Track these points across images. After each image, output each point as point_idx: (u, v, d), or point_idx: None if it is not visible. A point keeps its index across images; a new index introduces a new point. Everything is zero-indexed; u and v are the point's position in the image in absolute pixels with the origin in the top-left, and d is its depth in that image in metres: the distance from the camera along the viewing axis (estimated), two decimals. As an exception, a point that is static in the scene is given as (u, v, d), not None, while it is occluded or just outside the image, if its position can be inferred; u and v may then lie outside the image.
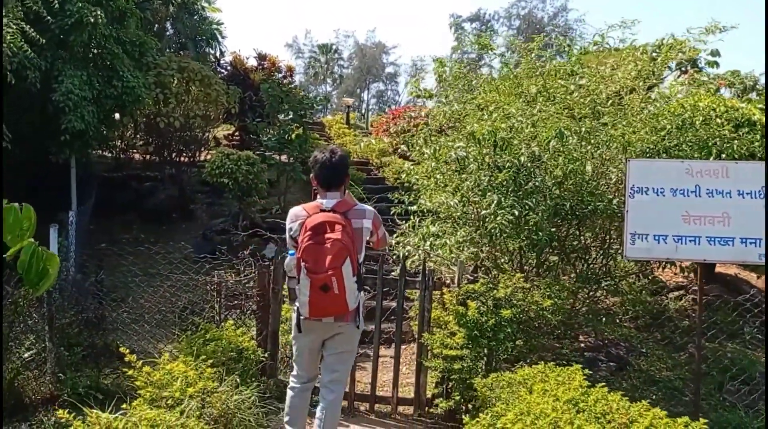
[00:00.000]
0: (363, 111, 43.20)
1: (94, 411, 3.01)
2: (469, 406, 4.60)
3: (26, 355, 5.43)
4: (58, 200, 9.27)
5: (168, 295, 6.25)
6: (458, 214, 5.82)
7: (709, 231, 4.60)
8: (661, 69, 6.13)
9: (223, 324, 5.27)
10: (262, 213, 10.88)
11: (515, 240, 5.29)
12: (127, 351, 3.86)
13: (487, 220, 5.41)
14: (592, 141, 5.51)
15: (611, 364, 5.96)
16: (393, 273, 5.93)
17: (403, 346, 5.88)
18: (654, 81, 6.25)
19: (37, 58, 8.23)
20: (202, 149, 13.32)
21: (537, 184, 5.22)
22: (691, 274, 7.61)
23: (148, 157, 13.17)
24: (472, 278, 5.11)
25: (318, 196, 3.64)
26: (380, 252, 5.82)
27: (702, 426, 2.69)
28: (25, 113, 9.11)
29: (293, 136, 11.38)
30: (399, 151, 6.49)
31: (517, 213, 5.03)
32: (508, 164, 5.05)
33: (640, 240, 4.68)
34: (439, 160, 5.88)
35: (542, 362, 4.65)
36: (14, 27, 6.90)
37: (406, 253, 6.19)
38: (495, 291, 4.69)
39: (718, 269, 7.62)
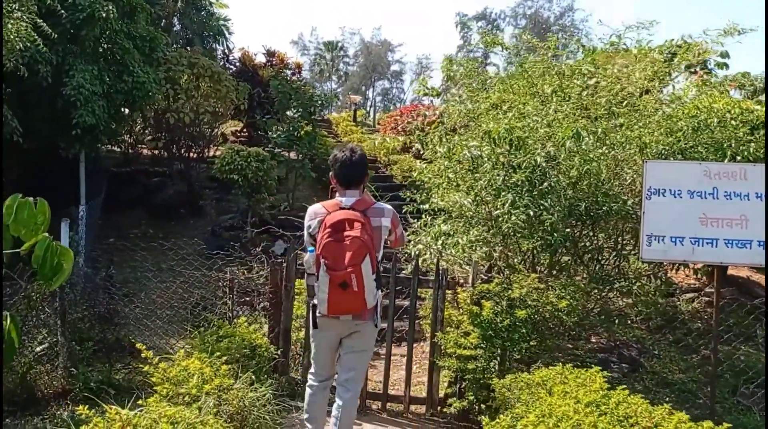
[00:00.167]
0: (368, 108, 43.22)
1: (113, 407, 2.99)
2: (482, 406, 4.59)
3: (38, 349, 5.43)
4: (66, 194, 9.29)
5: (180, 291, 6.23)
6: (471, 213, 5.79)
7: (727, 233, 4.58)
8: (678, 70, 6.10)
9: (235, 321, 5.26)
10: (270, 210, 10.88)
11: (529, 240, 5.27)
12: (144, 347, 3.85)
13: (500, 219, 5.39)
14: (607, 142, 5.48)
15: (624, 365, 5.93)
16: (403, 272, 5.90)
17: (413, 345, 5.87)
18: (670, 82, 6.22)
19: (49, 52, 8.23)
20: (211, 145, 13.31)
21: (552, 184, 5.19)
22: (704, 277, 7.59)
23: (156, 152, 13.18)
24: (485, 278, 5.08)
25: (337, 194, 3.64)
26: (392, 250, 5.82)
27: (726, 430, 2.67)
28: (34, 107, 9.12)
29: (302, 133, 11.36)
30: (413, 149, 6.44)
31: (531, 213, 5.00)
32: (524, 164, 5.03)
33: (656, 242, 4.66)
34: (451, 158, 5.85)
35: (555, 363, 4.65)
36: (27, 20, 6.89)
37: (417, 252, 6.18)
38: (509, 291, 4.67)
39: (730, 271, 7.58)
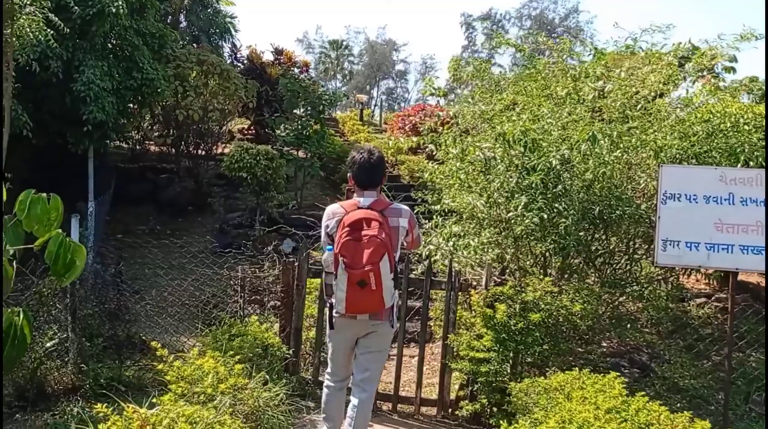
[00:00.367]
0: (372, 108, 43.20)
1: (131, 405, 2.98)
2: (494, 409, 4.58)
3: (49, 344, 5.42)
4: (75, 190, 9.29)
5: (191, 288, 6.23)
6: (483, 215, 5.77)
7: (743, 239, 4.55)
8: (692, 74, 6.07)
9: (247, 319, 5.25)
10: (278, 208, 10.87)
11: (542, 243, 5.25)
12: (159, 345, 3.84)
13: (512, 222, 5.37)
14: (621, 145, 5.45)
15: (634, 370, 5.92)
16: (413, 273, 5.89)
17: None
18: (680, 86, 6.20)
19: (59, 47, 8.23)
20: (219, 142, 13.31)
21: (566, 187, 5.17)
22: (714, 282, 7.56)
23: (164, 149, 13.18)
24: (499, 281, 5.07)
25: (354, 195, 3.67)
26: (404, 252, 5.81)
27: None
28: (44, 102, 9.13)
29: (311, 131, 11.34)
30: (427, 149, 6.42)
31: (545, 216, 4.98)
32: (539, 166, 5.01)
33: (671, 246, 4.63)
34: (463, 160, 5.83)
35: (566, 367, 4.64)
36: (40, 15, 6.89)
37: (427, 253, 6.16)
38: (523, 294, 4.66)
39: (740, 277, 7.54)
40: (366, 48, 52.04)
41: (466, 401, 4.74)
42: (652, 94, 6.00)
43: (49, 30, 7.10)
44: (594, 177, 5.30)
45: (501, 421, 3.20)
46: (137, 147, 13.40)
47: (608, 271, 6.01)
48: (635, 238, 5.97)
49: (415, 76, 53.84)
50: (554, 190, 5.21)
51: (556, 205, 5.09)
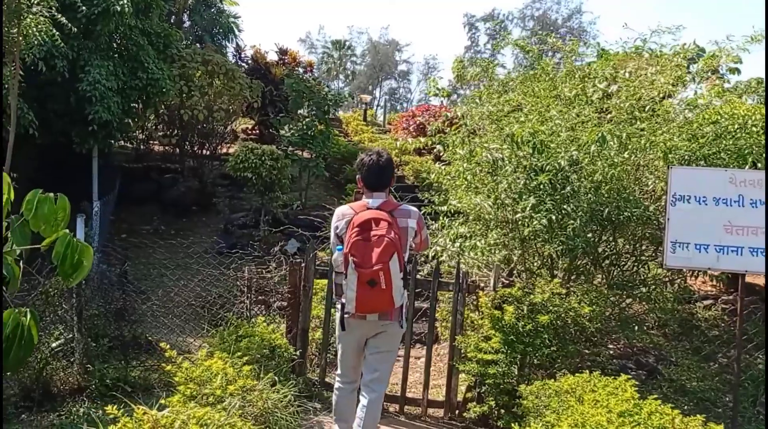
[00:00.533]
0: (375, 108, 43.18)
1: (140, 406, 2.97)
2: (502, 411, 4.56)
3: (54, 344, 5.42)
4: (79, 189, 9.28)
5: (198, 289, 6.21)
6: (490, 216, 5.75)
7: (752, 241, 4.53)
8: (701, 75, 6.05)
9: (253, 320, 5.23)
10: (283, 208, 10.85)
11: (550, 244, 5.23)
12: (168, 347, 3.83)
13: (520, 223, 5.35)
14: (630, 146, 5.43)
15: (641, 372, 5.89)
16: (419, 273, 5.87)
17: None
18: (694, 87, 6.18)
19: (65, 47, 8.23)
20: (223, 142, 13.30)
21: (575, 188, 5.15)
22: (720, 284, 7.53)
23: (168, 148, 13.17)
24: (507, 282, 5.05)
25: (363, 197, 3.69)
26: (411, 252, 5.80)
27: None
28: (49, 101, 9.12)
29: (316, 131, 11.33)
30: (435, 150, 6.41)
31: (554, 218, 4.96)
32: (548, 167, 4.99)
33: (680, 249, 4.61)
34: (470, 160, 5.81)
35: (573, 369, 4.62)
36: (46, 15, 6.88)
37: (434, 254, 6.14)
38: (531, 296, 4.64)
39: (747, 279, 7.51)
40: (369, 48, 51.99)
41: (474, 403, 4.71)
42: (660, 95, 5.98)
43: (54, 30, 7.09)
44: (602, 178, 5.28)
45: (512, 424, 3.18)
46: (141, 147, 13.40)
47: (615, 273, 5.99)
48: (642, 239, 5.95)
49: (417, 77, 53.87)
50: (562, 192, 5.19)
51: (565, 206, 5.07)
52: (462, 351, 4.78)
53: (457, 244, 5.87)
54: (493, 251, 5.67)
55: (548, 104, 5.65)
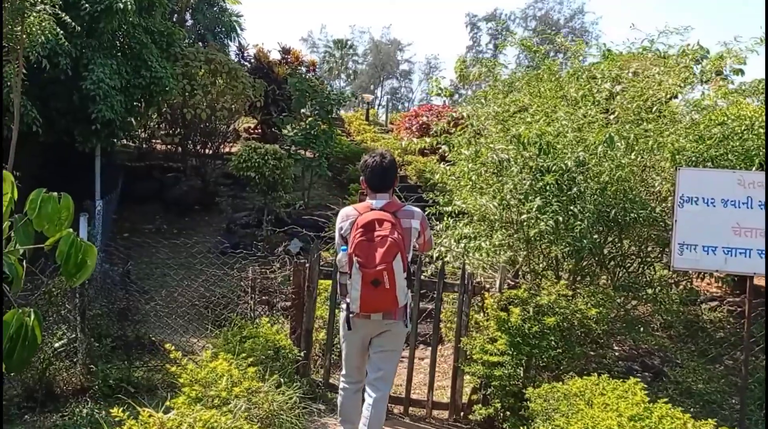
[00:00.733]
0: (377, 107, 43.17)
1: (146, 409, 2.94)
2: (507, 413, 4.53)
3: (57, 345, 5.39)
4: (82, 188, 9.26)
5: (201, 289, 6.18)
6: (495, 217, 5.72)
7: (761, 244, 4.49)
8: (708, 76, 6.02)
9: (258, 320, 5.21)
10: (286, 208, 10.83)
11: (557, 246, 5.20)
12: (173, 348, 3.80)
13: (525, 224, 5.32)
14: (636, 147, 5.40)
15: (646, 374, 5.86)
16: (423, 274, 5.84)
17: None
18: (700, 88, 6.15)
19: (68, 45, 8.20)
20: (225, 142, 13.28)
21: (581, 189, 5.12)
22: (725, 285, 7.50)
23: (170, 147, 13.14)
24: (513, 283, 5.02)
25: (367, 198, 3.74)
26: (416, 253, 5.77)
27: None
28: (52, 100, 9.10)
29: (319, 131, 11.30)
30: (440, 151, 6.39)
31: (561, 219, 4.93)
32: (554, 168, 4.96)
33: (688, 250, 4.58)
34: (475, 161, 5.78)
35: (579, 371, 4.58)
36: (50, 12, 6.86)
37: (438, 255, 6.11)
38: (537, 297, 4.61)
39: (754, 281, 7.48)
40: (370, 47, 51.95)
41: (479, 405, 4.68)
42: (667, 96, 5.95)
43: (58, 28, 7.07)
44: (609, 179, 5.25)
45: (519, 427, 3.15)
46: (144, 145, 13.37)
47: (621, 274, 5.96)
48: (648, 241, 5.92)
49: (419, 76, 53.82)
50: (569, 193, 5.16)
51: (572, 207, 5.04)
52: (467, 352, 4.75)
53: (462, 245, 5.84)
54: (498, 252, 5.65)
55: (555, 105, 5.62)
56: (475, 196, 5.89)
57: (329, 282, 5.31)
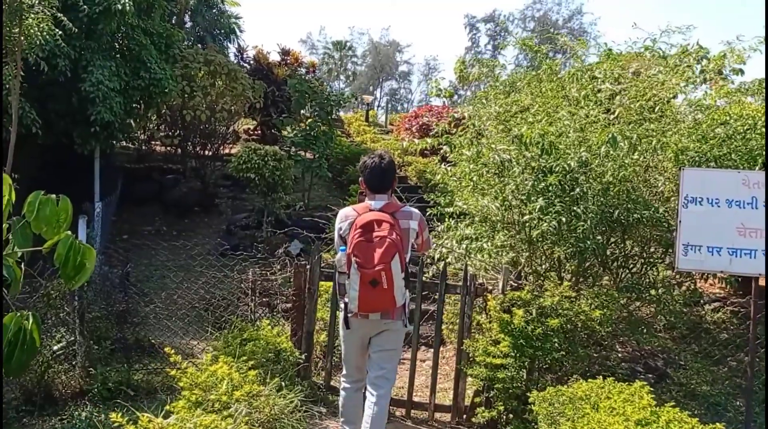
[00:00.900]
0: (376, 108, 43.13)
1: (145, 414, 2.90)
2: (511, 416, 4.49)
3: (56, 347, 5.34)
4: (81, 190, 9.22)
5: (201, 291, 6.14)
6: (497, 217, 5.68)
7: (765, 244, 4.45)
8: (710, 76, 5.98)
9: (258, 323, 5.16)
10: (286, 209, 10.78)
11: (560, 247, 5.16)
12: (173, 351, 3.76)
13: (527, 225, 5.28)
14: (639, 147, 5.36)
15: (650, 376, 5.82)
16: (424, 276, 5.80)
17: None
18: (703, 88, 6.11)
19: (67, 46, 8.17)
20: (225, 143, 13.24)
21: (584, 190, 5.08)
22: (728, 286, 7.44)
23: (170, 149, 13.10)
24: (515, 285, 4.98)
25: (366, 199, 3.77)
26: (418, 254, 5.74)
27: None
28: (51, 101, 9.05)
29: (319, 132, 11.26)
30: (441, 151, 6.36)
31: (564, 220, 4.89)
32: (557, 168, 4.92)
33: (693, 251, 4.54)
34: (477, 161, 5.75)
35: (582, 372, 4.54)
36: (48, 14, 6.82)
37: (439, 256, 6.08)
38: (541, 299, 4.57)
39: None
40: (369, 49, 51.94)
41: (482, 408, 4.64)
42: (669, 95, 5.92)
43: (56, 29, 7.03)
44: (612, 180, 5.21)
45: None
46: (143, 147, 13.33)
47: (624, 275, 5.92)
48: (651, 241, 5.88)
49: (418, 77, 53.83)
50: (572, 193, 5.12)
51: (575, 208, 5.01)
52: (470, 355, 4.70)
53: (464, 246, 5.81)
54: (500, 253, 5.61)
55: (557, 105, 5.59)
56: (477, 196, 5.86)
57: (330, 284, 5.27)
